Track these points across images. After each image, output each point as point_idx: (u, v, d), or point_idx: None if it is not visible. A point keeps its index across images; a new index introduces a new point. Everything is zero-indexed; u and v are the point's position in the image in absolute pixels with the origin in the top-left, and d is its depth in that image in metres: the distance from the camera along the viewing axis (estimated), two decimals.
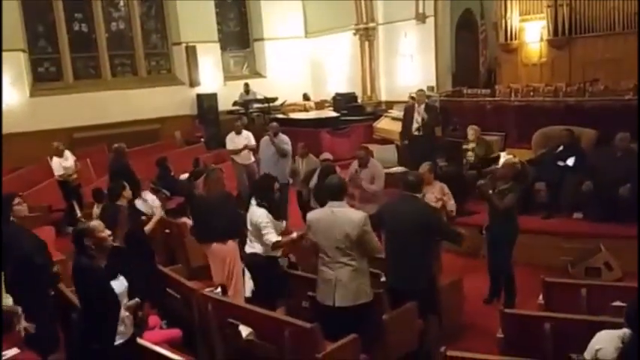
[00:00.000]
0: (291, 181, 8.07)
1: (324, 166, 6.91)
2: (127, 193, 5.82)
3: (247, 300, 5.32)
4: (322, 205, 4.61)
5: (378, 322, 4.34)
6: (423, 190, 5.18)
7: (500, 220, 5.70)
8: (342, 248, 4.18)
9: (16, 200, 4.79)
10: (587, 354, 3.33)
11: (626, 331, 3.22)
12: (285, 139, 8.51)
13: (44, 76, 13.89)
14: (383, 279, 4.82)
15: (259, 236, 4.96)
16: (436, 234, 5.00)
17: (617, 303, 4.03)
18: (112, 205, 5.58)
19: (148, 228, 5.78)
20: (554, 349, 3.79)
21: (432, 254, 5.22)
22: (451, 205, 6.21)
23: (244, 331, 4.26)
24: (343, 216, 4.21)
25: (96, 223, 3.55)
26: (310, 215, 4.54)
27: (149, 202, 7.34)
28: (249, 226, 5.10)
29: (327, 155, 7.66)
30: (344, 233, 4.15)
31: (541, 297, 4.56)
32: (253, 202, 5.11)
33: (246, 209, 5.25)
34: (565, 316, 3.96)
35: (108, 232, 3.55)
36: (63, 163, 9.47)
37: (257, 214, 4.97)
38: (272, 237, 4.88)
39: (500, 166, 6.05)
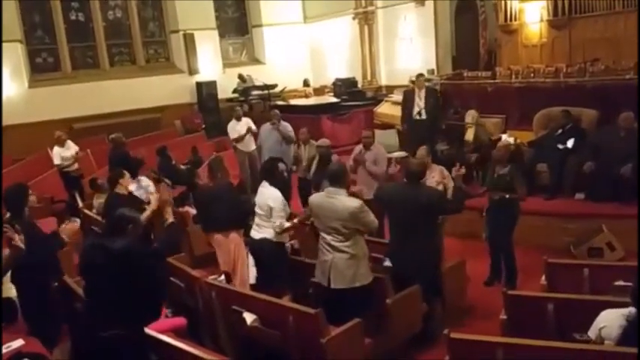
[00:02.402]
0: (294, 168, 8.04)
1: (322, 154, 6.90)
2: (125, 181, 5.83)
3: (252, 287, 5.34)
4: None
5: (379, 306, 4.36)
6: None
7: (502, 203, 5.69)
8: (338, 234, 4.30)
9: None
10: (592, 333, 3.34)
11: (631, 309, 3.23)
12: (288, 127, 8.55)
13: (42, 67, 13.80)
14: (386, 263, 4.80)
15: (270, 220, 5.03)
16: (441, 211, 4.97)
17: (620, 283, 4.06)
18: (115, 194, 5.61)
19: (143, 217, 5.75)
20: (558, 329, 3.80)
21: (437, 238, 5.24)
22: (452, 187, 6.15)
23: (249, 318, 4.28)
24: (339, 203, 4.30)
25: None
26: (311, 199, 4.67)
27: (143, 187, 7.23)
28: (258, 210, 5.13)
29: (324, 141, 7.37)
30: (340, 220, 4.26)
31: (544, 278, 4.56)
32: (265, 183, 5.15)
33: (254, 192, 5.29)
34: (568, 296, 3.97)
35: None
36: (62, 153, 9.47)
37: (272, 196, 5.06)
38: (284, 223, 5.05)
39: (496, 150, 6.02)
